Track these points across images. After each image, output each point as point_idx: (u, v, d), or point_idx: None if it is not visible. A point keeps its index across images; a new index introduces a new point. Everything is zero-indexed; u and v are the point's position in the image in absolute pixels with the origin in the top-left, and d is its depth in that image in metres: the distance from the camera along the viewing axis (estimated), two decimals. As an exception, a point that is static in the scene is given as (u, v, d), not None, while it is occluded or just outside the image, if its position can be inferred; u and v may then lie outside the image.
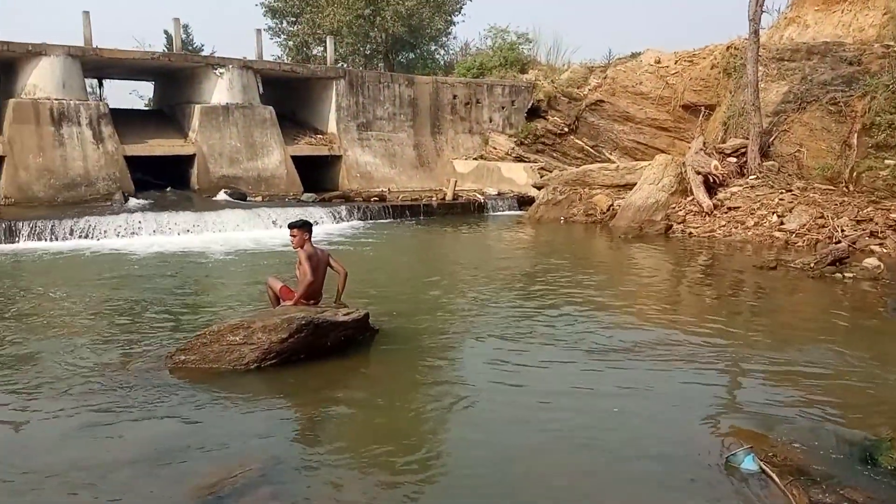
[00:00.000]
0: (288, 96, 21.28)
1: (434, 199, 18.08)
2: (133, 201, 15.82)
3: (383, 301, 8.32)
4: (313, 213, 14.95)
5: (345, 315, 6.47)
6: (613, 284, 9.97)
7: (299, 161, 19.07)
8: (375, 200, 17.38)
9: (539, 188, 18.32)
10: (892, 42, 16.38)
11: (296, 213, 14.19)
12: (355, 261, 11.13)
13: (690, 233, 14.18)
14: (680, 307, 8.91)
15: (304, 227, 6.82)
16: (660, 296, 9.36)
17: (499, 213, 18.31)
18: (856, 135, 14.40)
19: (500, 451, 4.48)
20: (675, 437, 4.73)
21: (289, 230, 6.86)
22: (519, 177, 20.13)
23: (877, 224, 12.57)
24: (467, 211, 17.90)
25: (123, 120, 17.78)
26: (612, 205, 16.36)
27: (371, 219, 16.34)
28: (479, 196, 18.81)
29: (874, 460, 4.30)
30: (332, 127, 20.29)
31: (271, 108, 18.94)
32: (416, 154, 21.57)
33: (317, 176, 19.76)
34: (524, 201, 18.68)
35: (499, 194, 19.49)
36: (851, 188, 14.00)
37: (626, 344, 6.77)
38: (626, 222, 15.05)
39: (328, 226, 15.10)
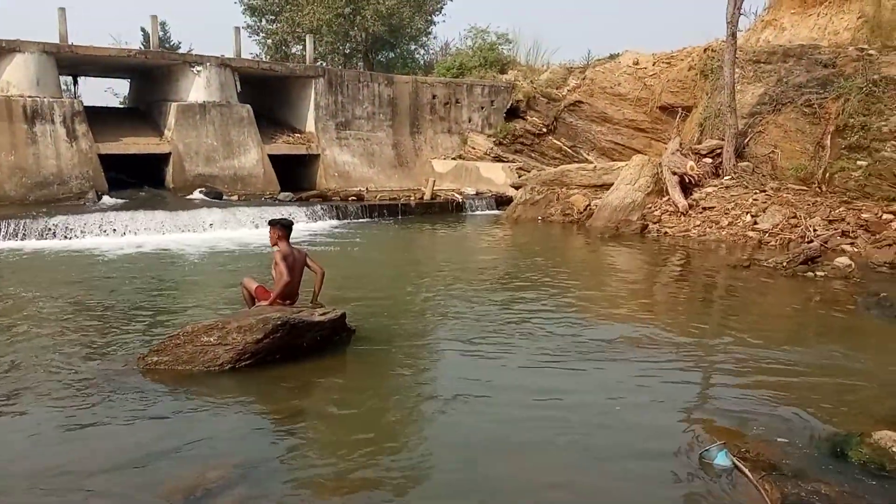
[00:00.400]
0: (266, 95, 21.14)
1: (412, 198, 18.07)
2: (106, 200, 15.63)
3: (360, 301, 8.29)
4: (291, 213, 14.84)
5: (321, 315, 6.42)
6: (590, 284, 10.02)
7: (277, 160, 18.94)
8: (353, 200, 17.32)
9: (517, 188, 18.38)
10: (865, 45, 16.66)
11: (272, 213, 14.10)
12: (332, 260, 11.08)
13: (666, 232, 14.31)
14: (656, 306, 8.99)
15: (277, 225, 6.77)
16: (636, 295, 9.43)
17: (477, 212, 18.34)
18: (829, 136, 14.61)
19: (478, 451, 4.48)
20: (651, 434, 4.76)
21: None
22: (497, 176, 20.18)
23: (848, 224, 12.77)
24: (445, 210, 17.91)
25: (98, 118, 17.53)
26: (589, 205, 16.46)
27: (348, 218, 16.28)
28: (457, 196, 18.83)
29: (845, 455, 4.37)
30: (310, 126, 20.18)
31: (249, 106, 18.79)
32: (394, 153, 21.53)
33: (295, 175, 19.65)
34: (502, 201, 18.73)
35: (477, 194, 19.52)
36: (824, 189, 14.20)
37: (603, 343, 6.81)
38: (602, 222, 15.15)
39: (305, 225, 15.00)
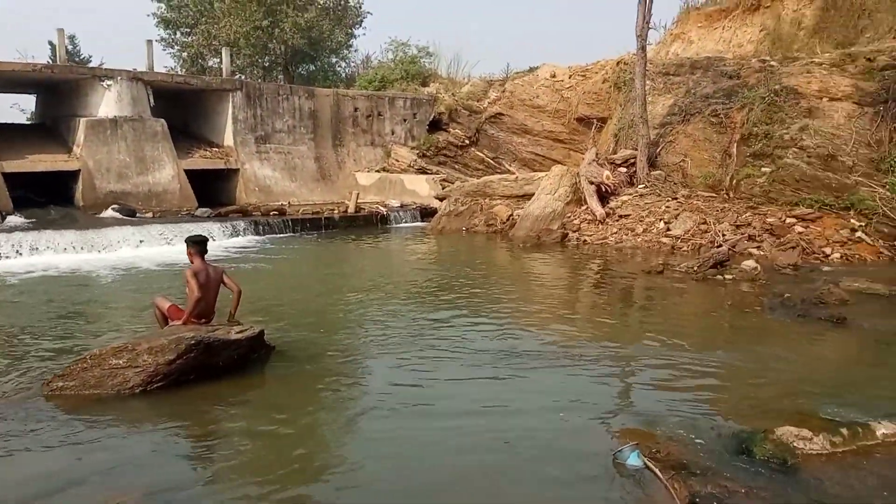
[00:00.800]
0: (182, 108, 20.56)
1: (336, 211, 17.91)
2: (12, 220, 14.81)
3: (281, 317, 8.15)
4: (208, 229, 14.45)
5: (238, 333, 6.28)
6: (515, 294, 10.15)
7: (194, 175, 18.41)
8: (274, 214, 17.02)
9: (441, 199, 18.49)
10: (767, 57, 17.63)
11: (189, 229, 13.62)
12: (252, 277, 10.85)
13: (585, 240, 14.68)
14: (575, 312, 9.19)
15: (189, 242, 6.61)
16: (557, 302, 9.62)
17: (402, 224, 18.34)
18: (735, 145, 15.34)
19: (402, 464, 4.47)
20: (568, 437, 4.87)
21: None
22: (421, 188, 20.25)
23: (754, 228, 13.42)
24: (370, 223, 17.83)
25: (2, 134, 16.66)
26: (511, 215, 16.72)
27: (270, 233, 15.97)
28: (381, 208, 18.78)
29: (750, 452, 4.56)
30: (228, 140, 19.74)
31: (163, 120, 18.21)
32: (317, 167, 21.30)
33: (213, 190, 19.16)
34: (427, 213, 18.80)
35: (402, 206, 19.53)
36: (731, 195, 14.88)
37: (528, 352, 6.90)
38: (525, 232, 15.40)
39: (224, 241, 14.65)
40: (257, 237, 15.57)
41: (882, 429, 4.75)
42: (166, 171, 17.87)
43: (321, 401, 5.73)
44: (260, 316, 7.88)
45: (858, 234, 12.78)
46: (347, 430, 5.09)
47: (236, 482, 4.23)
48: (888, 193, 12.94)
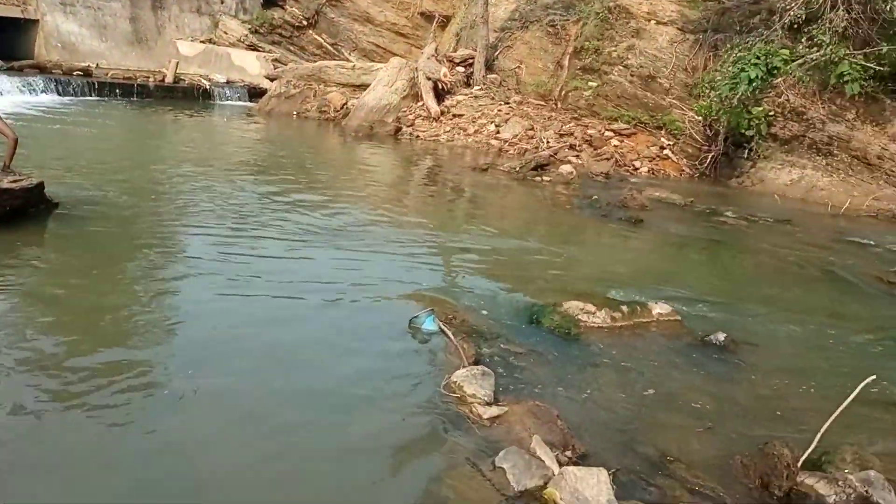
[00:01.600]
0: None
1: (151, 80, 16.33)
2: None
3: (75, 178, 7.31)
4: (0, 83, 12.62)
5: (11, 182, 5.54)
6: (343, 179, 9.88)
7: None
8: (79, 75, 15.15)
9: (272, 80, 17.44)
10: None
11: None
12: (45, 137, 9.66)
13: (418, 136, 14.59)
14: (402, 199, 9.17)
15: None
16: (386, 191, 9.53)
17: (227, 102, 17.14)
18: (568, 57, 15.73)
19: (165, 372, 3.75)
20: (371, 309, 4.82)
21: None
22: (251, 66, 18.95)
23: (576, 138, 14.02)
24: (191, 97, 16.46)
25: None
26: (346, 103, 16.17)
27: (73, 95, 14.26)
28: (204, 82, 17.37)
29: (539, 322, 4.80)
30: (25, -16, 17.08)
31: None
32: (132, 28, 19.10)
33: (7, 41, 16.63)
34: (255, 93, 17.68)
35: (228, 82, 18.20)
36: (559, 105, 15.37)
37: (350, 232, 6.74)
38: (358, 122, 14.99)
39: (17, 97, 12.89)
40: (57, 97, 13.84)
41: (658, 308, 5.19)
42: (-58, 10, 15.21)
43: (103, 268, 5.10)
44: (54, 175, 6.96)
45: (666, 151, 13.79)
46: (153, 293, 4.67)
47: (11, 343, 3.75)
48: (696, 117, 13.97)
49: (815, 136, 12.89)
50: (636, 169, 13.19)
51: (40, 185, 5.81)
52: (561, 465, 2.91)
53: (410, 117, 15.25)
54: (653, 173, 13.13)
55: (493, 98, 15.57)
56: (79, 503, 2.59)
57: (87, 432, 2.99)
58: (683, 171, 13.49)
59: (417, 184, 10.64)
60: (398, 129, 14.78)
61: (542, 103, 15.42)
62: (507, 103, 15.33)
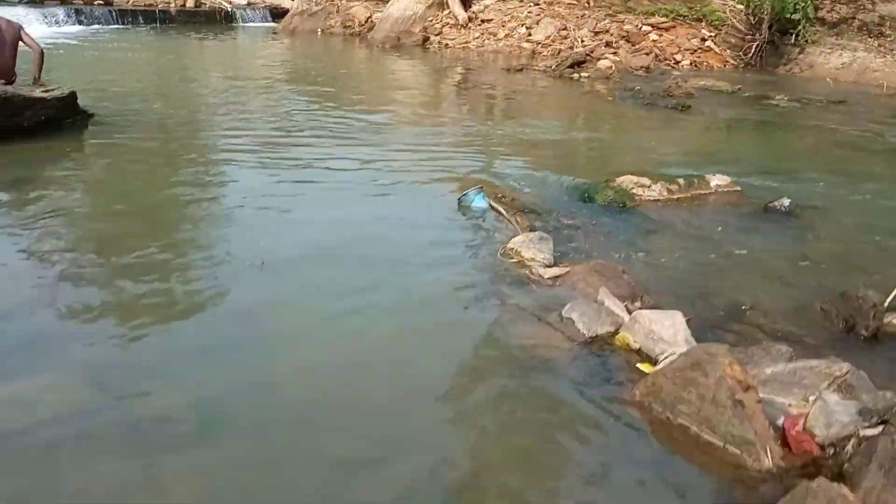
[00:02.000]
0: None
1: (173, 5, 15.99)
2: None
3: (108, 95, 7.18)
4: (20, 15, 12.42)
5: (43, 92, 5.46)
6: (375, 86, 9.65)
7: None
8: (100, 4, 14.91)
9: (294, -2, 16.99)
10: None
11: (-8, 9, 11.69)
12: (72, 64, 9.54)
13: (447, 45, 14.13)
14: (440, 101, 8.98)
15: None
16: (421, 94, 9.31)
17: (249, 24, 16.77)
18: (600, -49, 14.90)
19: (233, 248, 3.61)
20: (421, 191, 4.68)
21: None
22: (273, -15, 18.44)
23: (612, 35, 13.40)
24: (213, 21, 16.13)
25: None
26: (370, 17, 15.70)
27: (95, 24, 14.06)
28: (226, 4, 16.99)
29: (591, 198, 4.61)
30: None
31: None
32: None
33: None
34: (278, 13, 17.26)
35: (249, 4, 17.75)
36: (592, 3, 14.65)
37: (391, 130, 6.61)
38: (384, 34, 14.55)
39: (41, 28, 12.72)
40: (81, 28, 13.68)
41: (716, 180, 4.96)
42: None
43: (140, 176, 4.88)
44: (85, 92, 6.73)
45: (708, 43, 13.13)
46: (205, 184, 4.59)
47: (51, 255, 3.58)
48: (738, 5, 13.21)
49: (866, 17, 12.18)
50: (677, 62, 12.61)
51: (72, 95, 5.71)
52: (631, 313, 2.78)
53: (437, 26, 14.75)
54: (695, 66, 12.54)
55: (521, 0, 14.92)
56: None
57: (174, 296, 3.03)
58: (727, 62, 12.86)
59: (452, 86, 10.33)
60: (426, 39, 14.32)
61: (574, 2, 14.72)
62: (538, 4, 14.68)
